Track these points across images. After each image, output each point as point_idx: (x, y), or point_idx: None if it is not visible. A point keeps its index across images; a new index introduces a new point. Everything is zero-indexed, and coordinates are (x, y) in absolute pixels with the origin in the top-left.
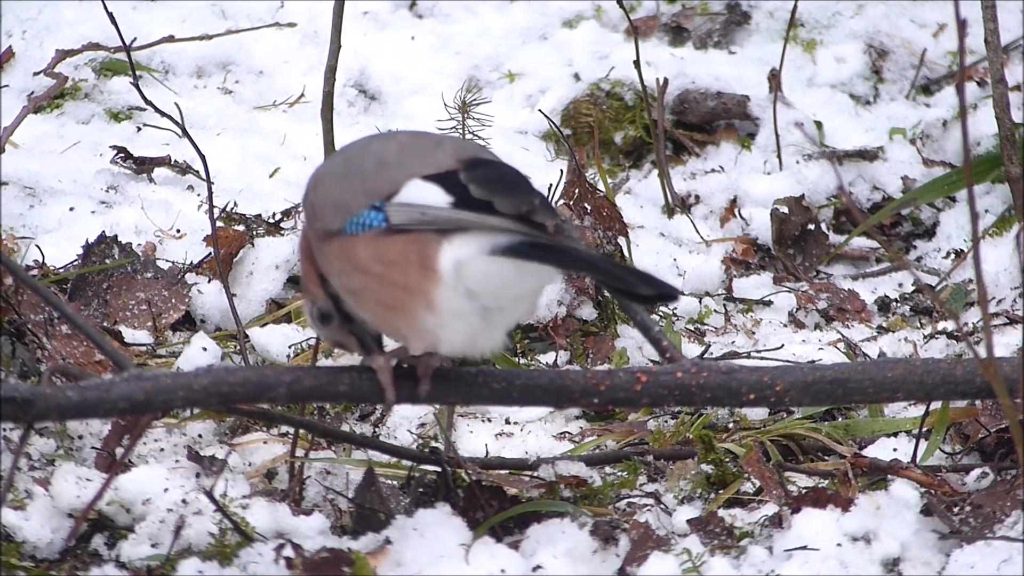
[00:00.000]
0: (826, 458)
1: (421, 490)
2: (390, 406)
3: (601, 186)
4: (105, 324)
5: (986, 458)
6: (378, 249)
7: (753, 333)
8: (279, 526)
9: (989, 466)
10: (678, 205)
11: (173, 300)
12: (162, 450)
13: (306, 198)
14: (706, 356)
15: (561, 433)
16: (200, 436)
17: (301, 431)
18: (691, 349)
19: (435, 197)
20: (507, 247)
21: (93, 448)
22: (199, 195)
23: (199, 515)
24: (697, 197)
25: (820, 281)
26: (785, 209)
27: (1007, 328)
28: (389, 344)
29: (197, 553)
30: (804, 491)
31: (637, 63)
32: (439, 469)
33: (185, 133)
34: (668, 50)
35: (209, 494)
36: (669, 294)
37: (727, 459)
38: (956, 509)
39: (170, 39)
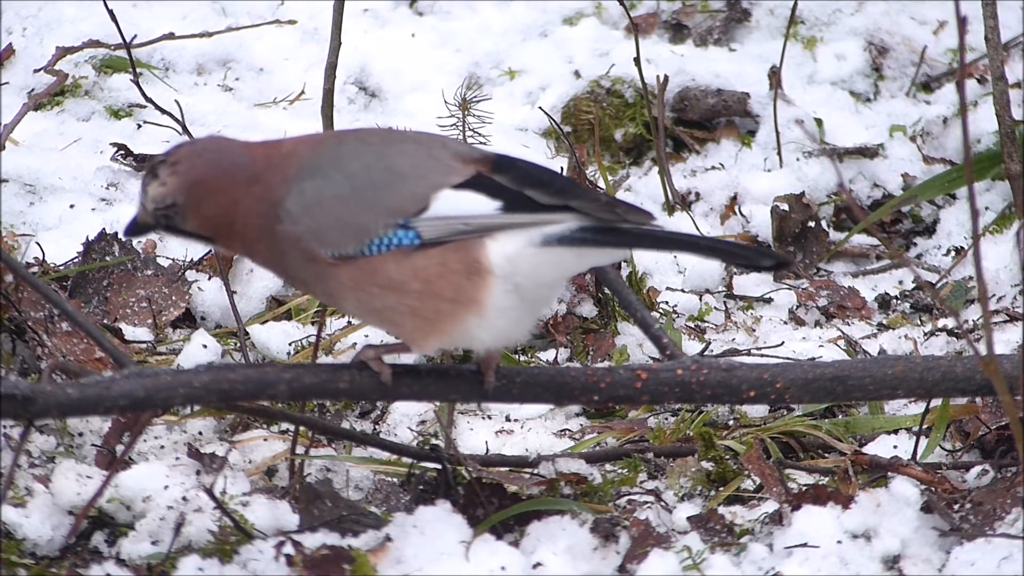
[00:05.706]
0: (826, 455)
1: (421, 487)
2: (388, 388)
3: (601, 183)
4: (105, 321)
5: (986, 455)
6: (414, 265)
7: (753, 330)
8: (279, 523)
9: (989, 463)
10: (678, 202)
11: (173, 297)
12: (162, 447)
13: (295, 221)
14: (706, 353)
15: (561, 430)
16: (200, 433)
17: (301, 428)
18: (691, 346)
19: (479, 205)
20: (562, 236)
21: (93, 445)
22: None
23: (199, 512)
24: (697, 194)
25: (820, 278)
26: (785, 206)
27: (1007, 325)
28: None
29: (197, 550)
30: (804, 488)
31: (637, 60)
32: (439, 466)
33: (185, 130)
34: (668, 47)
35: (209, 491)
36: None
37: (727, 456)
38: (956, 506)
39: (170, 36)
